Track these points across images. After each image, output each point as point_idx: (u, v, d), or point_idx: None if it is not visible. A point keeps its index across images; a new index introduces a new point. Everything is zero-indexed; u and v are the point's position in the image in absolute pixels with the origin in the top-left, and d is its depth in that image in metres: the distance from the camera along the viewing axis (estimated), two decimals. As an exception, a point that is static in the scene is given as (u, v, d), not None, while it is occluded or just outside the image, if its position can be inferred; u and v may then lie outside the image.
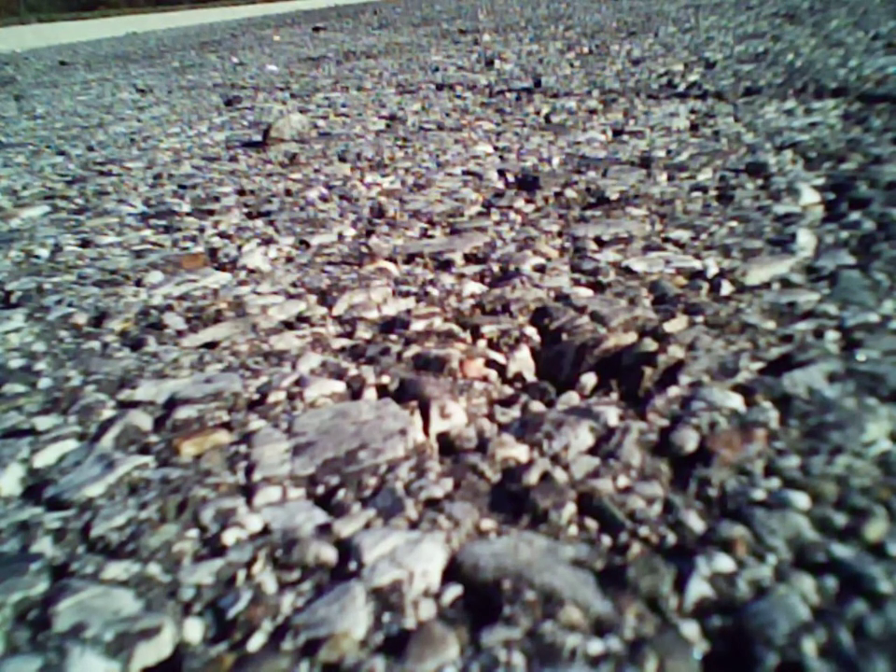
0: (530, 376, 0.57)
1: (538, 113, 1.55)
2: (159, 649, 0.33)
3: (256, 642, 0.33)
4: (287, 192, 1.15)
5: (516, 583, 0.34)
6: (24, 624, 0.35)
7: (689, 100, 1.48)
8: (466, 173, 1.16)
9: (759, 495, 0.39)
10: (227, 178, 1.29)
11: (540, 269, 0.74)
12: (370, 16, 6.32)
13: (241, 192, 1.19)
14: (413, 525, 0.40)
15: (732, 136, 1.16)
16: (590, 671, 0.30)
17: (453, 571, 0.36)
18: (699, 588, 0.33)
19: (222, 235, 0.97)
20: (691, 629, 0.31)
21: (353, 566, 0.37)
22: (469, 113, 1.65)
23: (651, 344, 0.56)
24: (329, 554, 0.38)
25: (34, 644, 0.34)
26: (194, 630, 0.34)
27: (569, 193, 0.98)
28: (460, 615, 0.34)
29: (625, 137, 1.26)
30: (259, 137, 1.59)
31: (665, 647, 0.30)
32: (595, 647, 0.31)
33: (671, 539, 0.37)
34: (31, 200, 1.25)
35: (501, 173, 1.13)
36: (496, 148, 1.30)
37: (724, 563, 0.35)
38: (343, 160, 1.35)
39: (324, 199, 1.10)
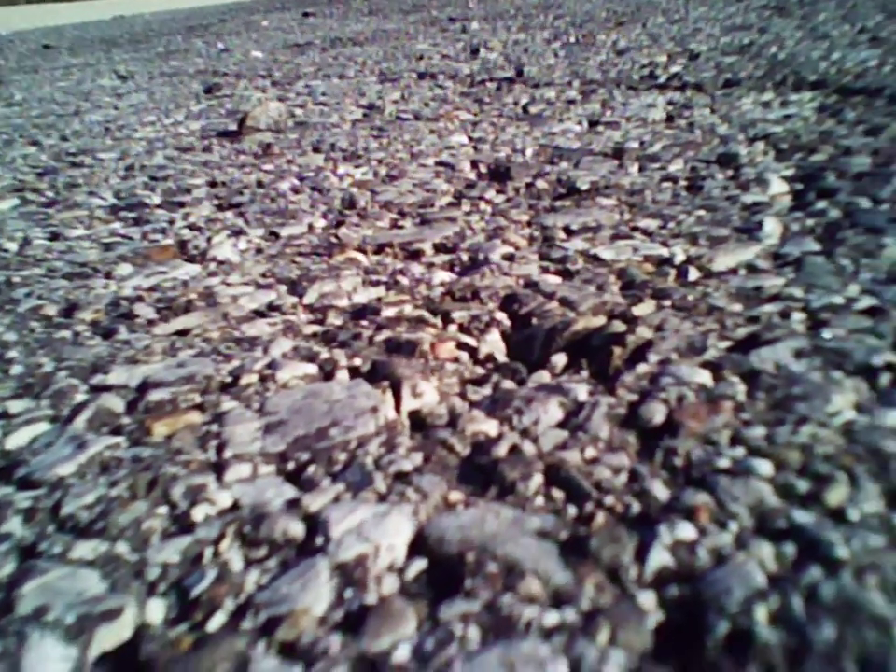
0: (501, 357, 0.58)
1: (516, 103, 1.55)
2: (119, 632, 0.34)
3: (216, 622, 0.34)
4: (259, 184, 1.16)
5: (480, 556, 0.35)
6: None
7: (668, 91, 1.48)
8: (439, 164, 1.17)
9: (724, 463, 0.40)
10: (199, 169, 1.30)
11: (509, 258, 0.75)
12: (360, 2, 6.30)
13: (212, 184, 1.19)
14: (382, 499, 0.41)
15: (706, 128, 1.17)
16: (542, 644, 0.30)
17: (419, 544, 0.37)
18: (659, 557, 0.34)
19: (192, 227, 0.97)
20: (647, 599, 0.32)
21: (319, 540, 0.38)
22: (447, 103, 1.66)
23: (619, 326, 0.57)
24: (297, 529, 0.39)
25: None
26: (156, 611, 0.35)
27: (540, 184, 0.99)
28: (422, 589, 0.34)
29: (601, 128, 1.27)
30: (234, 126, 1.59)
31: (620, 617, 0.31)
32: (551, 619, 0.31)
33: (636, 507, 0.38)
34: (1, 192, 1.25)
35: (474, 164, 1.13)
36: (470, 139, 1.31)
37: (686, 531, 0.36)
38: (316, 150, 1.35)
39: (295, 190, 1.10)
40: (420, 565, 0.36)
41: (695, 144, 1.08)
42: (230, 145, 1.47)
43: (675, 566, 0.34)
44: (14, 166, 1.45)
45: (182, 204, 1.08)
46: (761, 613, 0.30)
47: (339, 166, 1.21)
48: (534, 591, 0.33)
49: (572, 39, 2.50)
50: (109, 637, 0.34)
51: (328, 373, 0.56)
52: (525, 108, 1.50)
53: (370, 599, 0.34)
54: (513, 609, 0.32)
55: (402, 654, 0.31)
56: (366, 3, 6.06)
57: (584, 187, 0.94)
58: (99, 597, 0.36)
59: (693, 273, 0.65)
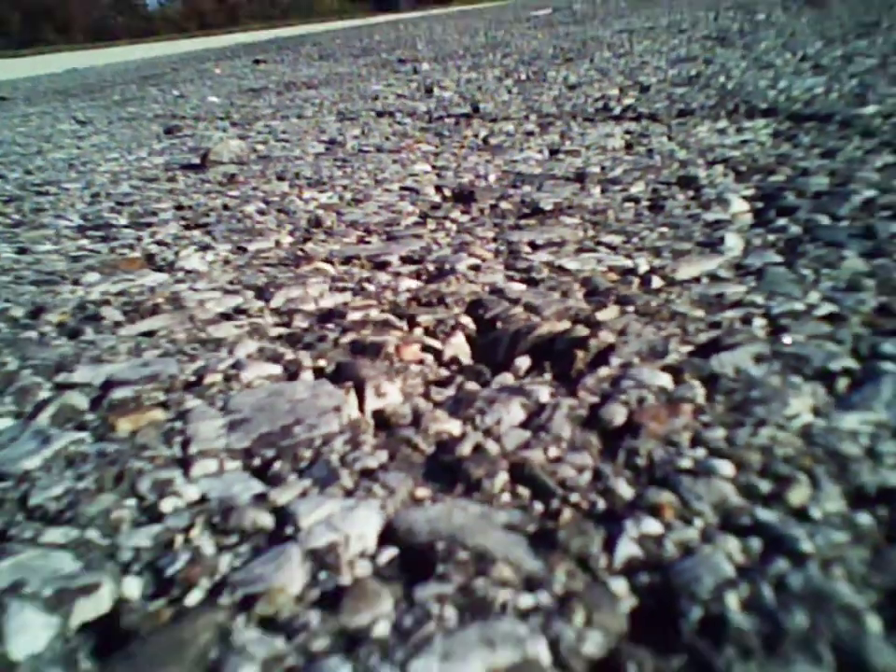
0: (466, 360, 0.58)
1: (476, 136, 1.56)
2: (97, 604, 0.34)
3: (193, 598, 0.34)
4: (225, 207, 1.15)
5: (450, 545, 0.35)
6: None
7: (624, 122, 1.50)
8: (403, 188, 1.17)
9: (685, 463, 0.40)
10: (165, 196, 1.29)
11: (475, 268, 0.75)
12: (310, 48, 6.33)
13: (179, 207, 1.19)
14: (349, 494, 0.40)
15: (665, 153, 1.18)
16: (520, 623, 0.30)
17: (388, 535, 0.37)
18: (628, 549, 0.34)
19: (160, 243, 0.97)
20: (619, 585, 0.32)
21: (289, 530, 0.38)
22: (408, 136, 1.66)
23: (582, 330, 0.57)
24: (266, 520, 0.39)
25: None
26: (132, 587, 0.35)
27: (504, 205, 0.99)
28: (395, 573, 0.34)
29: (561, 156, 1.28)
30: (198, 161, 1.59)
31: (594, 600, 0.31)
32: (526, 601, 0.32)
33: (601, 504, 0.38)
34: (-35, 217, 1.24)
35: (438, 188, 1.14)
36: (433, 167, 1.32)
37: (652, 526, 0.35)
38: (281, 178, 1.35)
39: (261, 212, 1.10)
40: (391, 552, 0.36)
41: (655, 168, 1.09)
42: (194, 175, 1.47)
43: (643, 556, 0.34)
44: (-23, 196, 1.44)
45: (149, 224, 1.08)
46: (732, 600, 0.31)
47: (304, 192, 1.22)
48: (506, 576, 0.33)
49: (523, 76, 2.52)
50: (88, 608, 0.34)
51: (292, 374, 0.56)
52: (485, 140, 1.51)
53: (344, 581, 0.34)
54: (488, 591, 0.32)
55: (382, 629, 0.31)
56: (315, 48, 6.09)
57: (548, 207, 0.95)
58: (74, 574, 0.36)
59: (657, 282, 0.65)
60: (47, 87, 5.37)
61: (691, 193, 0.94)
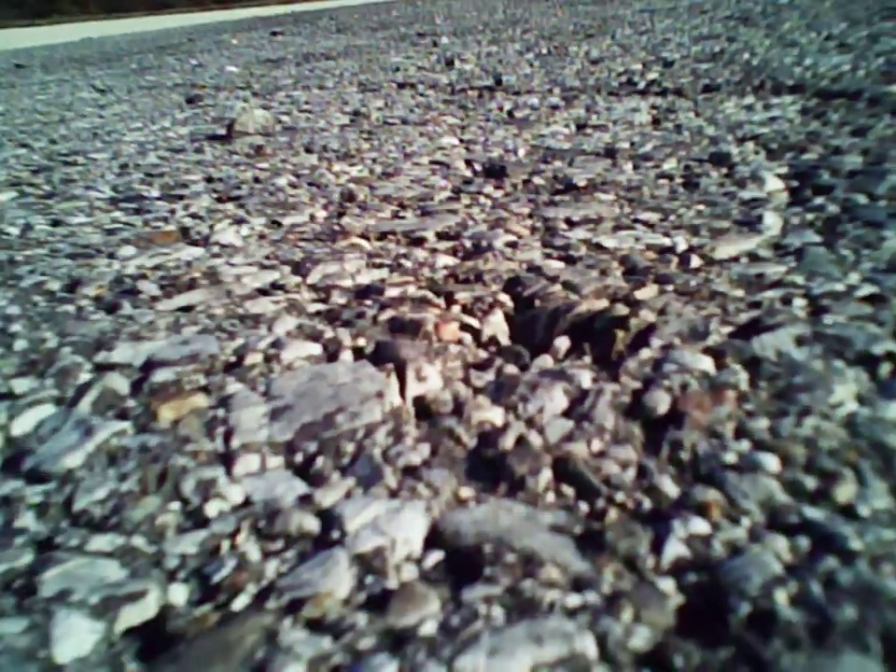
0: (504, 340, 0.57)
1: (500, 109, 1.56)
2: (143, 610, 0.34)
3: (240, 603, 0.34)
4: (256, 180, 1.15)
5: (497, 547, 0.35)
6: (10, 592, 0.35)
7: (649, 96, 1.49)
8: (433, 162, 1.17)
9: (730, 458, 0.39)
10: (193, 168, 1.29)
11: (512, 245, 0.75)
12: (327, 21, 6.31)
13: (209, 180, 1.18)
14: (393, 494, 0.40)
15: (694, 129, 1.17)
16: (567, 621, 0.30)
17: (434, 538, 0.37)
18: (675, 549, 0.34)
19: (193, 216, 0.97)
20: (667, 584, 0.32)
21: (335, 534, 0.37)
22: (432, 109, 1.66)
23: (622, 309, 0.56)
24: (312, 524, 0.38)
25: (20, 608, 0.34)
26: (179, 594, 0.35)
27: (537, 180, 0.99)
28: (442, 576, 0.34)
29: (589, 130, 1.27)
30: (223, 131, 1.58)
31: (642, 599, 0.31)
32: (574, 600, 0.31)
33: (647, 504, 0.37)
34: (-3, 186, 1.24)
35: (468, 162, 1.13)
36: (461, 140, 1.31)
37: (700, 526, 0.35)
38: (309, 150, 1.35)
39: (293, 185, 1.10)
40: (437, 556, 0.36)
41: (686, 144, 1.08)
42: (221, 146, 1.46)
43: (691, 556, 0.33)
44: (7, 165, 1.44)
45: (181, 197, 1.08)
46: (781, 596, 0.30)
47: (333, 165, 1.21)
48: (554, 577, 0.33)
49: (544, 51, 2.51)
50: (134, 614, 0.34)
51: (332, 354, 0.56)
52: (510, 113, 1.50)
53: (391, 584, 0.34)
54: (535, 592, 0.32)
55: (429, 628, 0.31)
56: (332, 22, 6.07)
57: (581, 183, 0.94)
58: (121, 582, 0.35)
59: (696, 261, 0.65)
60: (63, 55, 5.37)
61: (724, 171, 0.93)
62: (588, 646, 0.29)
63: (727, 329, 0.52)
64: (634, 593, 0.32)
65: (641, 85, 1.62)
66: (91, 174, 1.31)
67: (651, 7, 3.98)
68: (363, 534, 0.37)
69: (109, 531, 0.39)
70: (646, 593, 0.32)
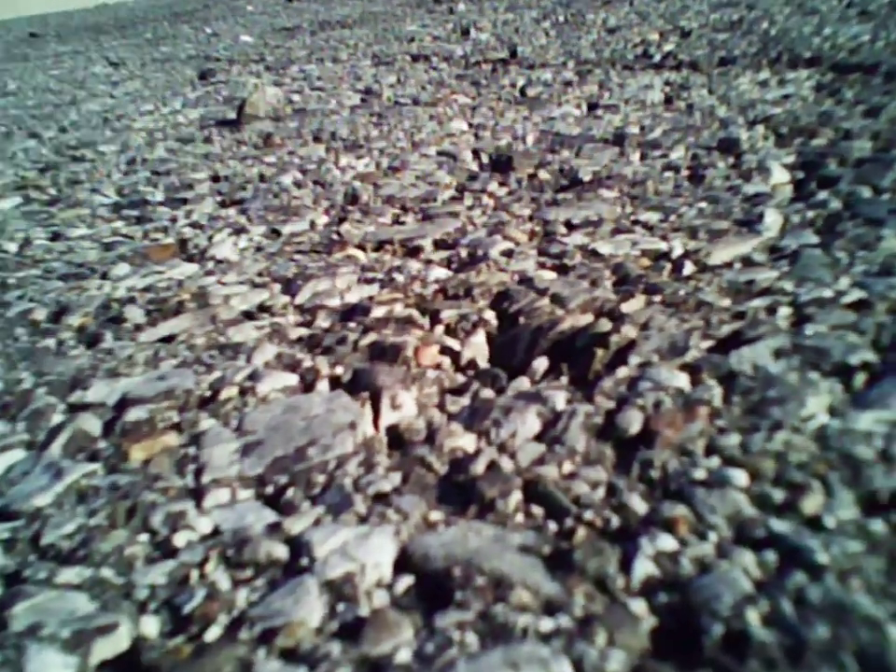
0: (483, 363, 0.57)
1: (513, 86, 1.55)
2: (116, 643, 0.34)
3: (212, 634, 0.34)
4: (262, 178, 1.15)
5: (466, 570, 0.35)
6: None
7: (664, 71, 1.48)
8: (440, 153, 1.17)
9: (700, 474, 0.40)
10: (201, 163, 1.30)
11: (508, 253, 0.75)
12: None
13: (215, 179, 1.19)
14: (363, 520, 0.41)
15: (705, 110, 1.16)
16: (542, 647, 0.31)
17: (404, 562, 0.37)
18: (644, 567, 0.34)
19: (194, 225, 0.97)
20: (638, 606, 0.33)
21: (305, 561, 0.38)
22: (444, 86, 1.65)
23: (605, 325, 0.57)
24: (281, 551, 0.39)
25: None
26: (151, 626, 0.35)
27: (543, 175, 0.98)
28: (413, 602, 0.35)
29: (600, 112, 1.26)
30: (233, 115, 1.59)
31: (615, 622, 0.32)
32: (547, 625, 0.32)
33: (615, 521, 0.38)
34: (2, 191, 1.25)
35: (476, 153, 1.13)
36: (470, 125, 1.31)
37: (667, 542, 0.36)
38: (317, 139, 1.35)
39: (298, 185, 1.10)
40: (408, 580, 0.36)
41: (695, 128, 1.08)
42: (230, 135, 1.47)
43: (661, 575, 0.34)
44: (15, 161, 1.46)
45: (185, 201, 1.08)
46: (753, 616, 0.31)
47: (340, 157, 1.21)
48: (525, 601, 0.33)
49: (561, 18, 2.49)
50: (107, 647, 0.34)
51: (308, 384, 0.56)
52: (522, 91, 1.50)
53: (363, 612, 0.34)
54: (508, 616, 0.33)
55: (404, 656, 0.31)
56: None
57: (587, 177, 0.94)
58: (91, 615, 0.36)
59: (689, 268, 0.65)
60: (78, 23, 5.37)
61: (731, 160, 0.92)
62: (565, 671, 0.30)
63: (707, 344, 0.52)
64: (606, 615, 0.32)
65: (657, 58, 1.61)
66: (98, 172, 1.31)
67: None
68: (332, 560, 0.38)
69: (77, 563, 0.40)
70: (618, 615, 0.32)
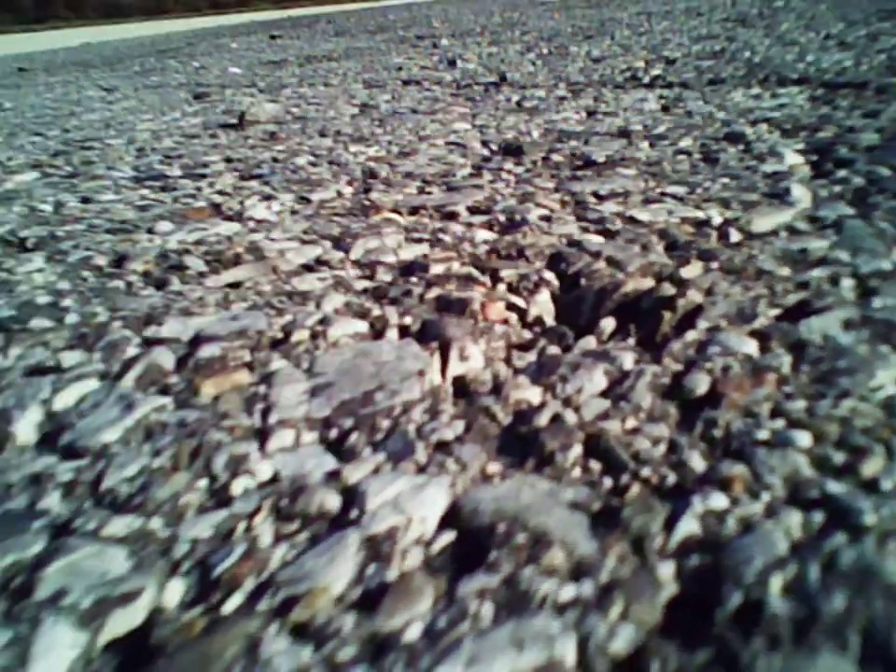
0: (550, 320, 0.55)
1: (508, 100, 1.53)
2: (132, 617, 0.31)
3: (232, 603, 0.31)
4: (275, 160, 1.13)
5: (510, 526, 0.34)
6: (5, 595, 0.32)
7: (655, 88, 1.47)
8: (449, 143, 1.15)
9: (763, 434, 0.38)
10: (210, 150, 1.26)
11: (546, 219, 0.72)
12: (324, 25, 6.29)
13: (228, 160, 1.16)
14: (421, 470, 0.39)
15: (704, 114, 1.15)
16: (554, 620, 0.29)
17: (452, 516, 0.35)
18: (687, 526, 0.33)
19: (221, 193, 0.94)
20: (666, 570, 0.31)
21: (354, 513, 0.36)
22: (440, 101, 1.63)
23: (669, 289, 0.55)
24: (333, 502, 0.37)
25: (8, 616, 0.31)
26: (174, 592, 0.32)
27: (556, 157, 0.97)
28: (445, 563, 0.32)
29: (600, 116, 1.25)
30: (234, 121, 1.56)
31: (636, 590, 0.30)
32: (567, 593, 0.30)
33: (671, 479, 0.36)
34: (18, 168, 1.22)
35: (484, 143, 1.11)
36: (474, 125, 1.29)
37: (719, 500, 0.34)
38: (323, 134, 1.32)
39: (313, 164, 1.07)
40: (448, 537, 0.34)
41: (698, 126, 1.07)
42: (234, 133, 1.44)
43: (701, 534, 0.32)
44: (25, 150, 1.41)
45: (203, 176, 1.06)
46: (776, 583, 0.29)
47: (350, 146, 1.19)
48: (556, 563, 0.31)
49: (545, 51, 2.49)
50: (122, 621, 0.31)
51: (378, 332, 0.54)
52: (518, 103, 1.48)
53: (390, 576, 0.32)
54: (532, 583, 0.31)
55: (413, 633, 0.29)
56: (330, 26, 6.06)
57: (600, 159, 0.93)
58: (120, 578, 0.33)
59: (735, 235, 0.63)
60: (64, 59, 5.33)
61: (741, 147, 0.92)
62: (567, 652, 0.27)
63: (774, 312, 0.50)
64: (629, 582, 0.30)
65: (646, 79, 1.60)
66: (110, 156, 1.28)
67: (646, 10, 3.98)
68: (381, 513, 0.35)
69: (130, 512, 0.37)
70: (641, 582, 0.30)
